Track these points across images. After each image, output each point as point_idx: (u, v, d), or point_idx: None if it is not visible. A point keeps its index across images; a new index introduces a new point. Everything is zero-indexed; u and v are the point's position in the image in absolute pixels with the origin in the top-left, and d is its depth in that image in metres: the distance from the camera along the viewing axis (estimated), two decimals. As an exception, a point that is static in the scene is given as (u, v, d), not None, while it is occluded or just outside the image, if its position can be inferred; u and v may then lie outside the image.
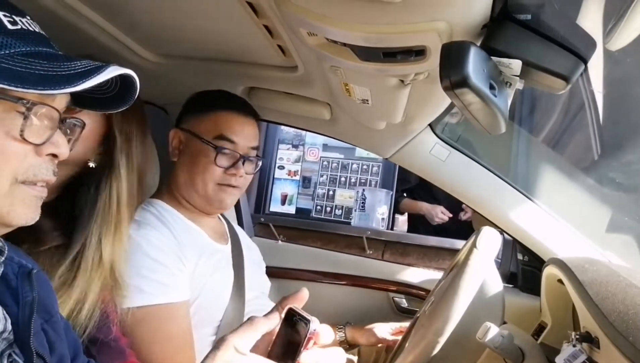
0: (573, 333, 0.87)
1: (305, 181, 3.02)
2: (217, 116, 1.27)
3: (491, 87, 0.71)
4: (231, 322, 1.17)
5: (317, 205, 3.00)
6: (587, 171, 1.80)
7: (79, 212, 1.01)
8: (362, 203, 2.61)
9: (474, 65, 0.66)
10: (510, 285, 1.64)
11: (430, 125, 1.47)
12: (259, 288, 1.37)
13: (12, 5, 0.60)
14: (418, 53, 0.80)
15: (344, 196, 2.96)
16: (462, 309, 0.95)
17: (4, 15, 0.58)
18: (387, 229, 2.66)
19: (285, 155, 3.05)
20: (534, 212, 1.45)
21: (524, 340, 1.01)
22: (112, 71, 0.60)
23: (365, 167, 2.95)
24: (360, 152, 2.92)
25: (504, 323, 1.12)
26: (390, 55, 0.81)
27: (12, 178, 0.58)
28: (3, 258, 0.62)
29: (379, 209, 2.60)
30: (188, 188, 1.25)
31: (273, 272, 1.64)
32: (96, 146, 1.04)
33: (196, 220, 1.26)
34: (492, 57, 0.75)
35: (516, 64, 0.74)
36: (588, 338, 0.85)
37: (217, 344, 0.67)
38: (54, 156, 0.62)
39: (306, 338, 0.67)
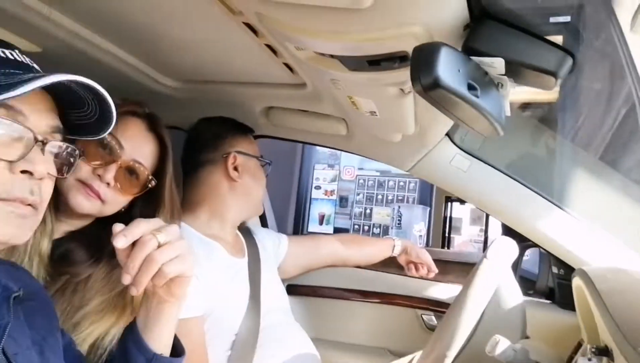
0: (589, 346, 0.81)
1: (342, 201, 3.03)
2: (252, 139, 1.49)
3: (471, 88, 0.70)
4: (247, 336, 1.18)
5: (354, 224, 2.99)
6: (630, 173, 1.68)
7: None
8: (399, 220, 2.57)
9: (446, 66, 0.65)
10: (548, 302, 1.54)
11: (448, 135, 1.44)
12: (276, 303, 1.37)
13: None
14: (402, 59, 0.80)
15: (381, 214, 2.93)
16: (470, 321, 0.91)
17: None
18: (425, 246, 2.60)
19: (321, 175, 3.08)
20: (566, 221, 1.37)
21: (543, 355, 0.95)
22: (52, 78, 0.61)
23: (402, 184, 2.91)
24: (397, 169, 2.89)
25: (527, 337, 1.06)
26: (374, 63, 0.82)
27: None
28: None
29: (415, 226, 2.55)
30: (244, 203, 1.39)
31: (300, 290, 1.64)
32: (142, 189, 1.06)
33: (213, 236, 1.30)
34: (476, 57, 0.74)
35: (499, 63, 0.72)
36: (604, 351, 0.79)
37: None
38: (30, 174, 0.63)
39: None
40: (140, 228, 0.69)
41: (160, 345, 0.79)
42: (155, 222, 0.72)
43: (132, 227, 0.69)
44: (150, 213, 1.07)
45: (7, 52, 0.65)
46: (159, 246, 0.69)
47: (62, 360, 0.74)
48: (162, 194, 1.07)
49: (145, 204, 1.08)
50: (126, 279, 0.69)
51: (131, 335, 0.78)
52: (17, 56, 0.66)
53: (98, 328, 0.96)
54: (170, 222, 1.08)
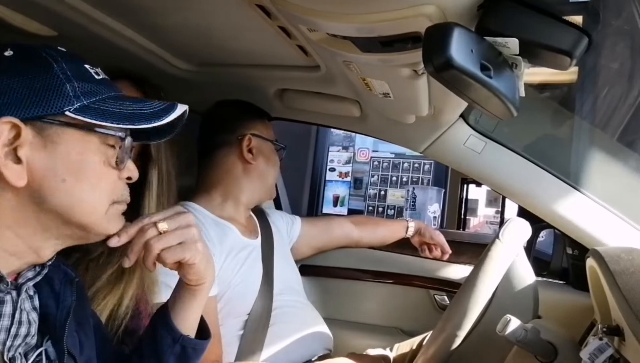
0: (600, 326, 0.82)
1: (357, 182, 3.03)
2: (268, 123, 1.51)
3: (484, 68, 0.69)
4: (259, 316, 1.21)
5: (368, 206, 3.00)
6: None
7: None
8: (413, 201, 2.57)
9: (459, 46, 0.64)
10: (562, 282, 1.54)
11: (463, 116, 1.43)
12: (289, 283, 1.40)
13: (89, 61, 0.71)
14: (415, 40, 0.79)
15: (396, 196, 2.93)
16: (481, 302, 0.92)
17: (90, 68, 0.69)
18: (439, 228, 2.61)
19: (335, 157, 3.08)
20: (581, 202, 1.36)
21: (555, 335, 0.96)
22: (181, 108, 0.72)
23: (416, 165, 2.90)
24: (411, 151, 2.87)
25: (538, 317, 1.07)
26: (387, 44, 0.81)
27: (111, 199, 0.69)
28: (50, 262, 0.70)
29: (430, 207, 2.55)
30: (257, 186, 1.41)
31: (314, 270, 1.66)
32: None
33: (227, 218, 1.32)
34: (489, 37, 0.73)
35: (513, 43, 0.71)
36: (616, 331, 0.79)
37: None
38: (129, 179, 0.73)
39: None
40: (137, 225, 0.73)
41: (187, 327, 0.82)
42: (162, 213, 0.75)
43: (129, 226, 0.73)
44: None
45: (99, 71, 0.70)
46: (161, 234, 0.73)
47: (94, 344, 0.78)
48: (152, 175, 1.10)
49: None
50: (125, 262, 0.73)
51: (160, 317, 0.82)
52: (103, 74, 0.70)
53: (111, 299, 1.00)
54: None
